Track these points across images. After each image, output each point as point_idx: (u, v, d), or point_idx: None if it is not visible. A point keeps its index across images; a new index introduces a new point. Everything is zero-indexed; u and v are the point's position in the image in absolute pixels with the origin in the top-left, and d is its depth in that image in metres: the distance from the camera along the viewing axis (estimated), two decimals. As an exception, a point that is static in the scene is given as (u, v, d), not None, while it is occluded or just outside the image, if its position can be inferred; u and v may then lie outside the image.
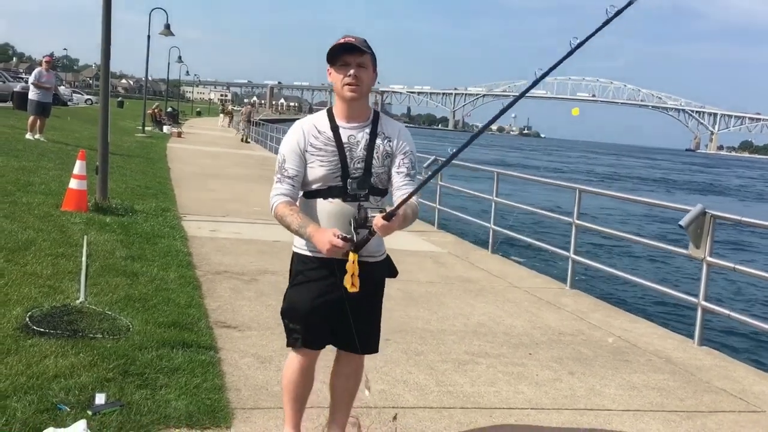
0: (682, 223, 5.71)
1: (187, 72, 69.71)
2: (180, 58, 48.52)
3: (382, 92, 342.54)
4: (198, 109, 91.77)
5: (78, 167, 8.55)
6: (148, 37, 28.27)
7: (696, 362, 5.36)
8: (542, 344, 5.40)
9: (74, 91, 64.00)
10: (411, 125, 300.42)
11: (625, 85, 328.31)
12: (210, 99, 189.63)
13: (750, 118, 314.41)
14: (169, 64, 48.31)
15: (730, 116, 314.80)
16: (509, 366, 4.78)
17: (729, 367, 5.34)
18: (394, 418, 3.57)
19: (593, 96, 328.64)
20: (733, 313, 5.65)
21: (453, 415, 3.87)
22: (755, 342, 9.23)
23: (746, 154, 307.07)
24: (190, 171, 16.69)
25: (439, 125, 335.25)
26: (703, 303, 5.80)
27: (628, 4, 2.38)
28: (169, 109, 44.90)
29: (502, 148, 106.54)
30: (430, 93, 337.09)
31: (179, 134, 31.35)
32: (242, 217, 10.21)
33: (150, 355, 3.98)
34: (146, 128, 30.59)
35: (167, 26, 27.69)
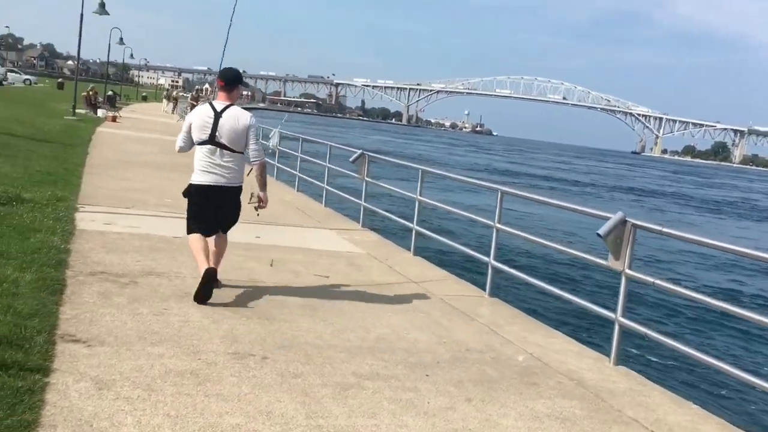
0: (600, 232, 5.23)
1: (131, 55, 67.77)
2: (122, 39, 46.84)
3: (337, 84, 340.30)
4: (144, 94, 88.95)
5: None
6: (81, 15, 26.91)
7: (609, 385, 4.90)
8: (444, 363, 4.87)
9: (9, 71, 61.35)
10: (365, 119, 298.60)
11: (575, 87, 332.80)
12: (160, 84, 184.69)
13: (693, 124, 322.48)
14: (109, 45, 46.86)
15: (674, 121, 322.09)
16: (399, 391, 4.22)
17: (644, 392, 4.89)
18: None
19: (564, 98, 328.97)
20: (650, 332, 5.20)
21: (316, 456, 3.29)
22: (673, 362, 8.82)
23: (688, 158, 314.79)
24: (112, 157, 15.74)
25: (393, 119, 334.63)
26: (621, 319, 5.34)
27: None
28: (110, 93, 43.35)
29: (482, 150, 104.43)
30: (384, 87, 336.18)
31: (114, 119, 30.00)
32: (149, 209, 9.44)
33: (-49, 381, 3.29)
34: (78, 111, 29.23)
35: (102, 5, 26.34)
